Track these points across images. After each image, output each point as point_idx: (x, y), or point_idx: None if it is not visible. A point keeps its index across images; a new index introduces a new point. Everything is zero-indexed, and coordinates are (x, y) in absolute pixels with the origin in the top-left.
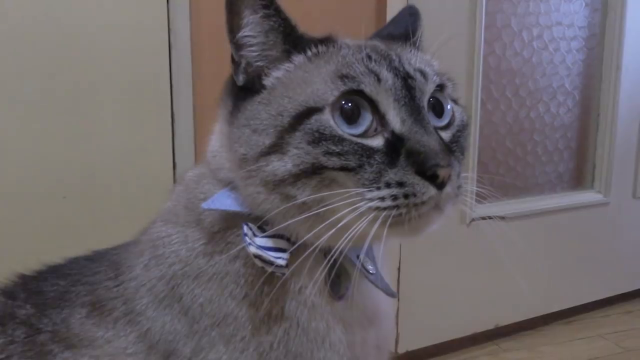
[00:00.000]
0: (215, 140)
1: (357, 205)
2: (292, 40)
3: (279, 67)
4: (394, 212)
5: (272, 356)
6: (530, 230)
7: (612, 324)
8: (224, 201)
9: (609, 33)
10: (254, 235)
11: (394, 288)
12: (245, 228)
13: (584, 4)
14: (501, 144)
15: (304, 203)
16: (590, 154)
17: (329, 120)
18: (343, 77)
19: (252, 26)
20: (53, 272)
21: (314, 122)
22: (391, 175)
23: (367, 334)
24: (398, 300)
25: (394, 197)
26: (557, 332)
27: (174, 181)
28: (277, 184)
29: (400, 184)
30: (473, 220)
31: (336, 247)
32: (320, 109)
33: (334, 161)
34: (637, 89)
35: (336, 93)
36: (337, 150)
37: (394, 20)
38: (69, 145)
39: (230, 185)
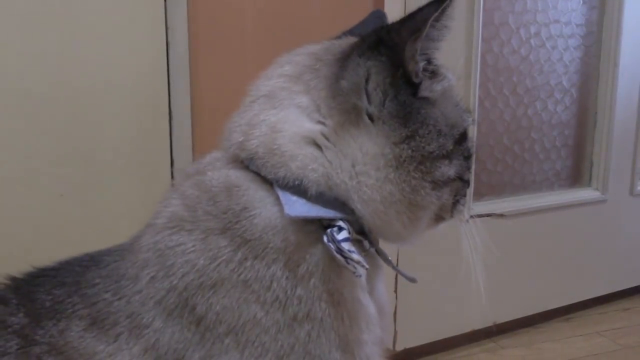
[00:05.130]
0: (299, 135)
1: (459, 209)
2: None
3: (437, 78)
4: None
5: (292, 359)
6: (527, 227)
7: (610, 321)
8: (303, 207)
9: (607, 31)
10: (339, 235)
11: (392, 285)
12: (346, 225)
13: (581, 2)
14: (499, 141)
15: (442, 203)
16: (587, 152)
17: (469, 142)
18: (467, 111)
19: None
20: (46, 277)
21: (466, 141)
22: (466, 188)
23: (377, 329)
24: (396, 298)
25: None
26: (555, 329)
27: (172, 177)
28: (445, 182)
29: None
30: (471, 217)
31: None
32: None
33: (468, 175)
34: (635, 86)
35: (467, 123)
36: (469, 166)
37: (365, 24)
38: (65, 142)
39: (290, 188)
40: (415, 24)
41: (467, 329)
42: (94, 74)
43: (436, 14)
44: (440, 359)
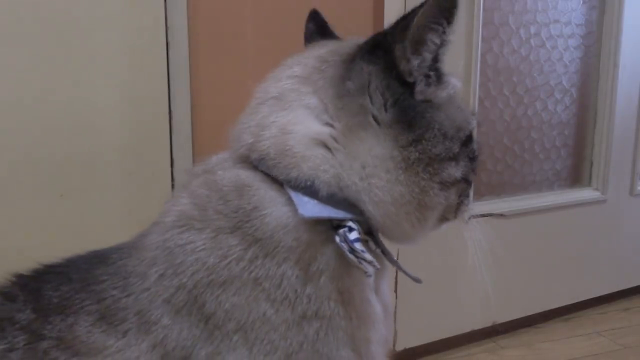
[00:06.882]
0: (304, 135)
1: (463, 210)
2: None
3: (441, 85)
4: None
5: (300, 357)
6: (527, 227)
7: (610, 321)
8: (315, 208)
9: (607, 31)
10: (349, 235)
11: (392, 285)
12: (356, 225)
13: (581, 2)
14: (499, 141)
15: (448, 204)
16: (587, 152)
17: (474, 144)
18: (472, 113)
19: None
20: (53, 274)
21: (472, 143)
22: (469, 189)
23: (382, 328)
24: (396, 297)
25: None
26: (555, 329)
27: (172, 178)
28: (452, 183)
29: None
30: (472, 217)
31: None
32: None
33: (472, 176)
34: (634, 86)
35: (472, 126)
36: (474, 167)
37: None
38: (65, 142)
39: (302, 189)
40: (404, 23)
41: (467, 329)
42: (94, 74)
43: (422, 10)
44: (440, 359)
